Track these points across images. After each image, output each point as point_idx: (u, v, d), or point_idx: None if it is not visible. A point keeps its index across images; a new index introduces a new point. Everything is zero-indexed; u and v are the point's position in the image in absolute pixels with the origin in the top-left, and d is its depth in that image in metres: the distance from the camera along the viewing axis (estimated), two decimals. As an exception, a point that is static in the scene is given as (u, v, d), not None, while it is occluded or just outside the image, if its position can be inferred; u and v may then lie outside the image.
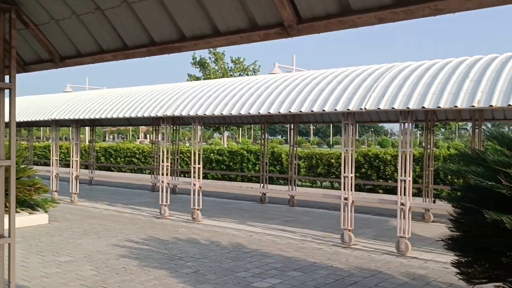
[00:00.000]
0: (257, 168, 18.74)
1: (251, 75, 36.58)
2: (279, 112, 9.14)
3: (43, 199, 10.71)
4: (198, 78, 37.56)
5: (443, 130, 78.60)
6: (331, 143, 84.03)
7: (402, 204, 8.01)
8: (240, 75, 37.75)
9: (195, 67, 39.24)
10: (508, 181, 3.41)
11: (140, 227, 10.14)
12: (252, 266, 7.14)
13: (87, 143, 28.22)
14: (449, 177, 14.29)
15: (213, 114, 10.24)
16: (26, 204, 10.59)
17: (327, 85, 9.08)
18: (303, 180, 17.25)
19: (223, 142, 42.92)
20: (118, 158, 24.98)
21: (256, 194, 15.66)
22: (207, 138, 71.50)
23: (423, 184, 11.46)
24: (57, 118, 14.15)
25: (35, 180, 10.71)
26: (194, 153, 11.00)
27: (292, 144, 14.05)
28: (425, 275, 6.80)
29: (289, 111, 8.99)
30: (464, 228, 3.70)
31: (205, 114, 10.39)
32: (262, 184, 14.64)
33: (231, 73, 38.77)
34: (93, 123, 18.91)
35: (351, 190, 8.59)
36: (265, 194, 14.30)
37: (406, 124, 7.95)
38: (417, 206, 9.84)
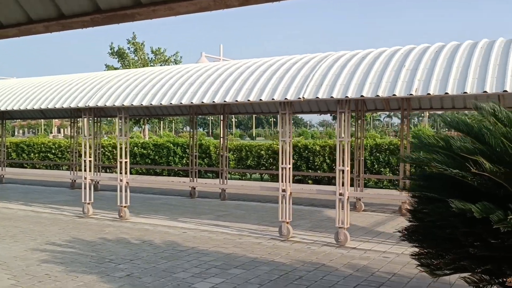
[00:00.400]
0: (185, 161, 18.18)
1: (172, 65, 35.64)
2: (214, 101, 8.71)
3: None
4: (116, 69, 35.97)
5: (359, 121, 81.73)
6: (253, 135, 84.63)
7: (340, 194, 7.92)
8: (161, 66, 36.65)
9: (113, 58, 37.52)
10: (477, 169, 3.27)
11: (62, 228, 9.30)
12: (190, 265, 6.70)
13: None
14: (376, 166, 14.62)
15: (141, 104, 9.60)
16: None
17: (262, 74, 8.78)
18: (232, 172, 16.95)
19: (145, 135, 41.57)
20: (32, 154, 23.25)
21: (185, 188, 15.12)
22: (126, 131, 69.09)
23: (354, 173, 11.55)
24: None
25: None
26: (120, 147, 10.29)
27: (222, 136, 13.66)
28: (367, 265, 6.73)
29: (224, 101, 8.60)
30: (428, 218, 3.53)
31: (132, 105, 9.72)
32: (191, 178, 14.13)
33: (152, 64, 37.54)
34: (3, 116, 17.34)
35: (289, 182, 8.37)
36: (195, 188, 13.81)
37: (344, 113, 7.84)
38: (354, 195, 9.87)
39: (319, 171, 15.44)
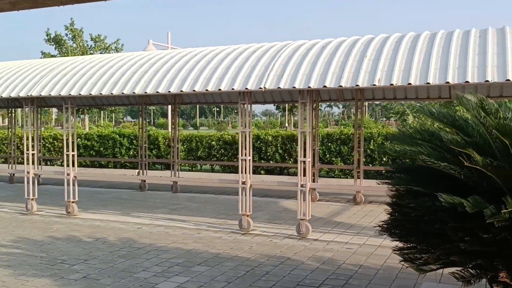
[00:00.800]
0: (132, 153, 17.53)
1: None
2: (169, 91, 8.32)
3: None
4: (53, 57, 34.25)
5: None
6: (197, 125, 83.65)
7: (302, 185, 7.81)
8: (101, 53, 35.30)
9: (50, 44, 35.72)
10: (470, 162, 3.18)
11: (4, 227, 8.64)
12: (150, 264, 6.36)
13: None
14: (327, 156, 14.71)
15: (90, 94, 9.04)
16: None
17: (220, 63, 8.48)
18: (182, 164, 16.52)
19: (85, 126, 39.96)
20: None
21: (133, 181, 14.59)
22: (62, 122, 66.37)
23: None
24: None
25: None
26: (67, 139, 9.68)
27: (174, 127, 13.22)
28: (332, 258, 6.66)
29: (181, 90, 8.23)
30: (415, 213, 3.43)
31: (80, 94, 9.13)
32: (141, 171, 13.62)
33: (92, 52, 36.11)
34: None
35: (249, 173, 8.16)
36: (145, 181, 13.32)
37: (306, 103, 7.71)
38: (316, 186, 9.80)
39: (271, 161, 15.34)
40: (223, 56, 8.70)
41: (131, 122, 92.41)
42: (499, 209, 3.11)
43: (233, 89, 7.84)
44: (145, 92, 8.54)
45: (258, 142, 15.55)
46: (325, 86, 7.23)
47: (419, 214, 3.47)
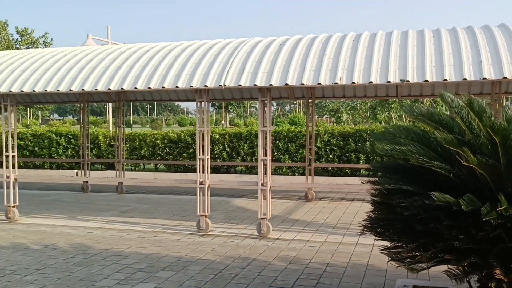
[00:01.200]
0: (69, 153, 16.67)
1: (41, 48, 32.67)
2: (122, 88, 7.93)
3: None
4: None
5: (237, 108, 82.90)
6: (130, 123, 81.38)
7: (263, 184, 7.71)
8: (28, 48, 33.45)
9: (-31, 37, 33.39)
10: (465, 161, 3.21)
11: None
12: (111, 271, 6.01)
13: None
14: (275, 153, 14.72)
15: (34, 91, 8.43)
16: None
17: (175, 59, 8.19)
18: (127, 164, 15.94)
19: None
20: None
21: (74, 182, 13.90)
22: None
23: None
24: None
25: None
26: (7, 139, 9.00)
27: (119, 125, 12.70)
28: (298, 257, 6.62)
29: (135, 87, 7.86)
30: (407, 212, 3.42)
31: (22, 91, 8.49)
32: (82, 171, 12.96)
33: (18, 46, 34.15)
34: None
35: (207, 173, 7.95)
36: (87, 182, 12.71)
37: (266, 101, 7.61)
38: (279, 185, 9.70)
39: (218, 160, 15.13)
40: (177, 52, 8.42)
41: (59, 120, 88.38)
42: (494, 207, 3.15)
43: (191, 86, 7.60)
44: (96, 89, 8.09)
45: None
46: (287, 84, 7.17)
47: (410, 213, 3.46)
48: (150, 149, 15.93)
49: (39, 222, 8.97)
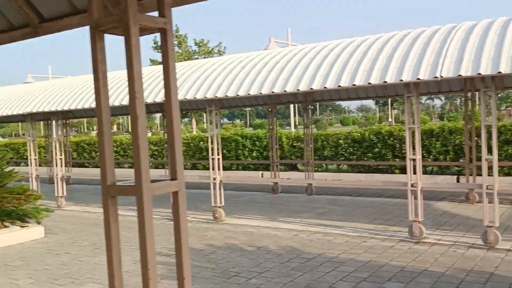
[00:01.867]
0: (254, 154, 17.24)
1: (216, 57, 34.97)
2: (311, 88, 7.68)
3: (34, 208, 8.89)
4: (161, 63, 35.56)
5: (402, 104, 78.95)
6: (296, 124, 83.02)
7: (487, 187, 6.77)
8: (204, 58, 36.04)
9: (158, 51, 37.23)
10: None
11: (158, 234, 8.52)
12: (333, 278, 5.73)
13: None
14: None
15: (237, 95, 8.66)
16: (14, 216, 8.78)
17: (364, 54, 7.69)
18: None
19: (192, 129, 40.95)
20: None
21: (263, 183, 14.22)
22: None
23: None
24: (34, 111, 12.16)
25: (24, 186, 8.89)
26: (213, 143, 9.42)
27: (307, 125, 12.63)
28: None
29: (352, 84, 7.55)
30: None
31: (227, 96, 8.80)
32: (273, 172, 13.16)
33: (196, 57, 37.09)
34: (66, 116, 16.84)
35: (419, 174, 7.28)
36: (277, 183, 12.87)
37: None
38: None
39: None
40: (366, 46, 7.90)
41: (230, 123, 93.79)
42: None
43: (401, 80, 7.01)
44: (312, 88, 7.98)
45: (391, 139, 14.52)
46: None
47: None
48: (333, 149, 15.65)
49: (243, 222, 9.20)
